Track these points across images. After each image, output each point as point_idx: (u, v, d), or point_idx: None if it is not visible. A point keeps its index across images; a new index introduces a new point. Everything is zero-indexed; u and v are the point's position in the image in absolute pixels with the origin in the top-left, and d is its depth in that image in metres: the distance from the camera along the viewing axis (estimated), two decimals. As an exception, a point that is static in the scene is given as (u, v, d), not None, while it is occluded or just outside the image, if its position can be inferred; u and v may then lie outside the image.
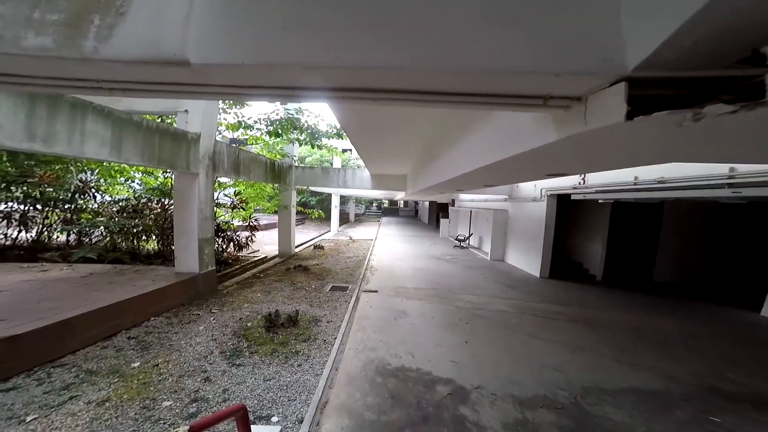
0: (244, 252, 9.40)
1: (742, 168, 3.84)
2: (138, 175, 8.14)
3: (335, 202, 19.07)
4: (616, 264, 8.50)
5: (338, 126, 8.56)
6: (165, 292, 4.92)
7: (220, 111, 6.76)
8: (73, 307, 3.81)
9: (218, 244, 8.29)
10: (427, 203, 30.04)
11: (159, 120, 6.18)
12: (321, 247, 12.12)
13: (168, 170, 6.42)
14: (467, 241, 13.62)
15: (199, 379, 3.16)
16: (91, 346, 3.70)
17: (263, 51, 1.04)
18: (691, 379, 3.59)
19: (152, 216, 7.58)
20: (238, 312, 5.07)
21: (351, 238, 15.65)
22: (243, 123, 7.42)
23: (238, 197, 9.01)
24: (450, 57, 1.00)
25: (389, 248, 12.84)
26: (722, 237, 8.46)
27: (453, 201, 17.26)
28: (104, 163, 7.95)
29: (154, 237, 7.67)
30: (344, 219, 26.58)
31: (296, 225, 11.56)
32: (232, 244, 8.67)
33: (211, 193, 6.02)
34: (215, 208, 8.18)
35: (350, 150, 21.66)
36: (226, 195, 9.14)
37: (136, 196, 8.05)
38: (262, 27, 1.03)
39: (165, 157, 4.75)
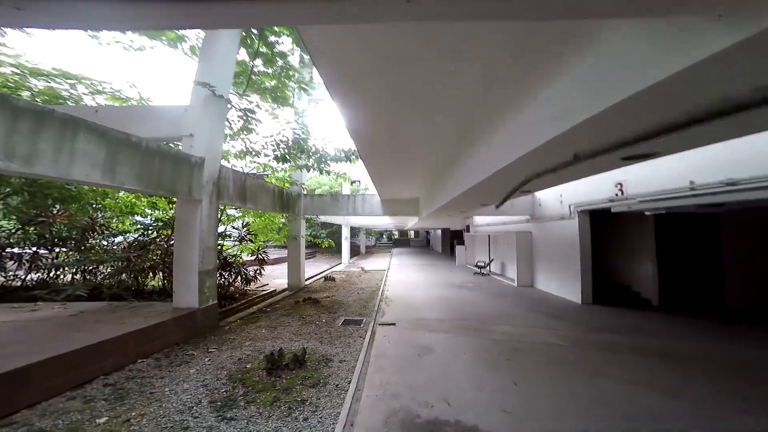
0: (252, 286, 8.86)
1: None
2: (149, 212, 7.99)
3: (345, 233, 18.66)
4: (675, 286, 7.30)
5: (345, 149, 8.39)
6: (156, 329, 4.32)
7: (227, 138, 6.67)
8: (39, 352, 3.21)
9: (225, 278, 7.79)
10: (439, 231, 29.21)
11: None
12: (332, 279, 11.42)
13: (168, 196, 6.14)
14: (488, 267, 12.63)
15: (176, 441, 2.45)
16: (56, 397, 3.07)
17: None
18: None
19: (158, 251, 7.24)
20: (239, 351, 4.37)
21: (363, 269, 14.89)
22: (250, 150, 7.29)
23: (245, 228, 8.67)
24: None
25: (404, 278, 12.02)
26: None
27: (468, 227, 16.51)
28: (116, 200, 7.91)
29: (159, 273, 7.25)
30: (355, 251, 25.93)
31: (307, 258, 11.09)
32: (239, 277, 8.16)
33: (215, 222, 5.65)
34: (222, 240, 7.82)
35: (358, 181, 21.78)
36: (234, 227, 8.84)
37: (143, 229, 7.81)
38: None
39: (165, 181, 4.44)
